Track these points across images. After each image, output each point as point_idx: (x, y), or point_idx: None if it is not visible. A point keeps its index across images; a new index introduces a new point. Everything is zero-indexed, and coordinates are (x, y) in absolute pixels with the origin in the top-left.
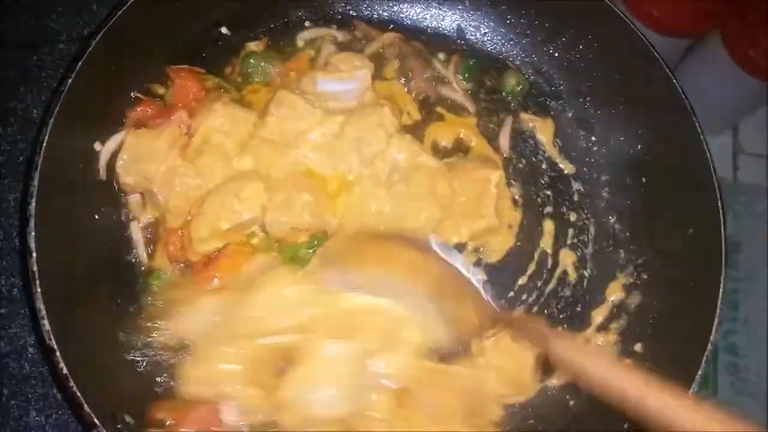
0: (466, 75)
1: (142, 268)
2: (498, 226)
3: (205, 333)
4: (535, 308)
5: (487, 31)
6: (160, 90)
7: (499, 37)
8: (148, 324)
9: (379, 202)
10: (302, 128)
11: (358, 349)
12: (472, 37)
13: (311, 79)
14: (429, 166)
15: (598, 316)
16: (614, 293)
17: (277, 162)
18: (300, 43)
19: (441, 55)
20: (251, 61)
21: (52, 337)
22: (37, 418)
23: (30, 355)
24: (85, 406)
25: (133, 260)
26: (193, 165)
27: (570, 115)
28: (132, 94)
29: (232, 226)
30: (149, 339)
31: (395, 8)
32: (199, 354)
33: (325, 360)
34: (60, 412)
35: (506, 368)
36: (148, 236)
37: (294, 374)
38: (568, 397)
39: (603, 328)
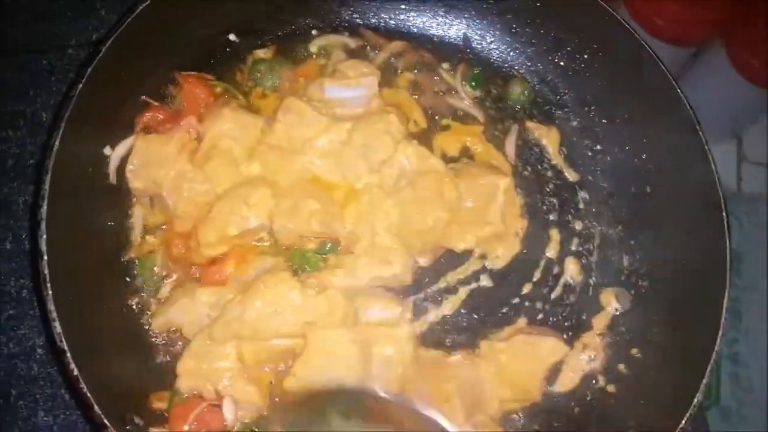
0: (473, 84)
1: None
2: (504, 232)
3: (202, 328)
4: (541, 315)
5: (492, 40)
6: (170, 95)
7: (504, 46)
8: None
9: (388, 211)
10: (309, 135)
11: (361, 337)
12: (478, 46)
13: (319, 85)
14: (437, 170)
15: (602, 322)
16: (618, 301)
17: (284, 168)
18: (313, 49)
19: (446, 65)
20: (260, 67)
21: (63, 339)
22: (45, 419)
23: (39, 356)
24: (96, 407)
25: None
26: (201, 170)
27: (575, 123)
28: (141, 99)
29: (240, 231)
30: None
31: (402, 17)
32: (194, 349)
33: (330, 345)
34: (68, 413)
35: (514, 372)
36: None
37: (301, 361)
38: (573, 403)
39: (606, 334)
